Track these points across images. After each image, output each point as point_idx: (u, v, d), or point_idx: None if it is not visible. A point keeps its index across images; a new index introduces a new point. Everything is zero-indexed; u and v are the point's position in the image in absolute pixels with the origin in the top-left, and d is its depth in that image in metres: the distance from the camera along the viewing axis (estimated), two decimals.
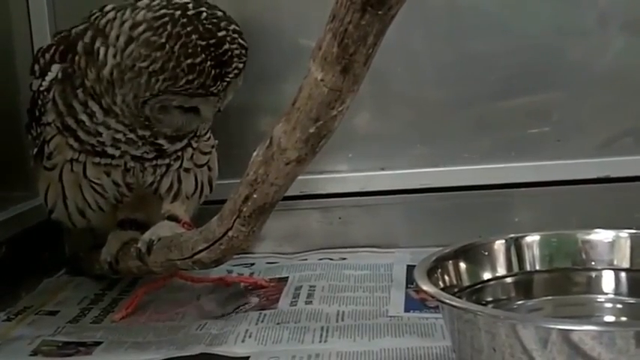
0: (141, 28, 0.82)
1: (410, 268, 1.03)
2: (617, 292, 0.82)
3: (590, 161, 1.11)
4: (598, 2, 1.10)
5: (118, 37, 0.83)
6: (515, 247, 0.84)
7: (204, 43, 0.81)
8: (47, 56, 0.91)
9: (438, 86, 1.14)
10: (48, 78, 0.89)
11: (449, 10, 1.12)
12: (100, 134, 0.89)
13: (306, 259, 1.11)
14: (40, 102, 0.90)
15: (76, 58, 0.88)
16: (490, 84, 1.12)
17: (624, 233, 0.83)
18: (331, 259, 1.10)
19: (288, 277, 1.04)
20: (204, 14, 0.82)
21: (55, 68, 0.89)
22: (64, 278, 1.11)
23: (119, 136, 0.88)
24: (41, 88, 0.90)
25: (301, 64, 0.73)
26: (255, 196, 0.78)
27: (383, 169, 1.15)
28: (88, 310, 0.98)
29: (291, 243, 1.15)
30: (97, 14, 0.88)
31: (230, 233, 0.81)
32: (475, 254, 0.82)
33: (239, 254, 0.88)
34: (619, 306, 0.81)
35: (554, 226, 0.91)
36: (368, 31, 0.66)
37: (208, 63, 0.81)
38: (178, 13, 0.82)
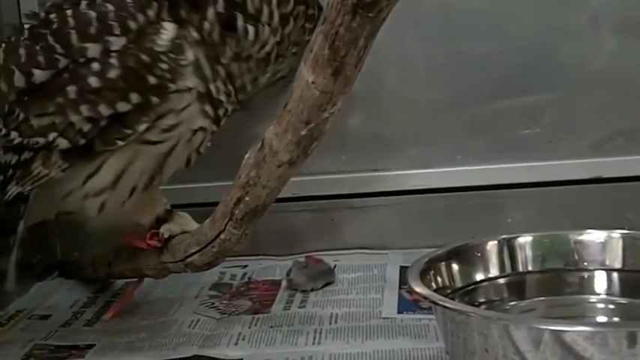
0: (291, 4, 0.82)
1: (403, 270, 1.03)
2: (609, 292, 0.82)
3: (582, 162, 1.12)
4: (590, 3, 1.11)
5: (271, 15, 0.81)
6: (508, 248, 0.84)
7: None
8: (145, 8, 0.78)
9: (431, 87, 1.14)
10: (166, 37, 0.78)
11: (441, 12, 1.12)
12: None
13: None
14: (166, 65, 0.78)
15: (205, 24, 0.79)
16: (482, 85, 1.12)
17: (616, 234, 0.84)
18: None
19: (281, 280, 1.04)
20: None
21: (172, 27, 0.78)
22: (56, 281, 1.10)
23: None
24: (159, 49, 0.78)
25: None
26: (247, 198, 0.78)
27: (375, 171, 1.15)
28: (80, 313, 0.98)
29: (283, 245, 1.15)
30: None
31: (222, 236, 0.81)
32: (468, 255, 0.83)
33: (232, 256, 0.88)
34: (611, 306, 0.81)
35: (546, 226, 0.91)
36: (359, 34, 0.66)
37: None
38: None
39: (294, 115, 0.71)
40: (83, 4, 0.80)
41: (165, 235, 0.89)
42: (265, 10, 0.81)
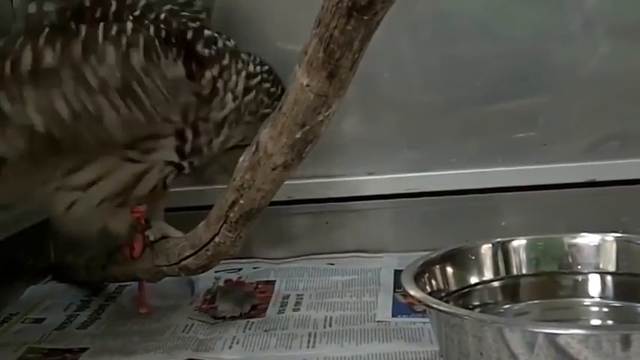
0: (257, 79, 0.92)
1: (397, 273, 1.02)
2: (603, 295, 0.82)
3: (576, 165, 1.12)
4: (583, 7, 1.11)
5: (237, 84, 0.90)
6: (502, 251, 0.84)
7: None
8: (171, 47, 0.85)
9: (425, 91, 1.14)
10: (180, 73, 0.86)
11: (435, 15, 1.12)
12: None
13: (293, 265, 1.10)
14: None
15: (203, 81, 0.88)
16: (477, 88, 1.12)
17: (610, 237, 0.84)
18: (319, 265, 1.10)
19: (275, 281, 1.04)
20: None
21: (183, 71, 0.87)
22: (50, 285, 1.10)
23: None
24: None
25: (288, 70, 0.73)
26: (241, 201, 0.77)
27: (370, 174, 1.15)
28: (74, 316, 0.98)
29: (278, 248, 1.15)
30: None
31: (217, 239, 0.81)
32: (462, 258, 0.83)
33: (226, 260, 0.88)
34: (605, 309, 0.82)
35: (540, 230, 0.91)
36: (354, 37, 0.66)
37: None
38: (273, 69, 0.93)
39: (289, 117, 0.71)
40: None
41: (151, 238, 0.90)
42: (233, 79, 0.90)
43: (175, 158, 0.88)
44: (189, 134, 0.88)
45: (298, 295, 0.99)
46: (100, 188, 0.86)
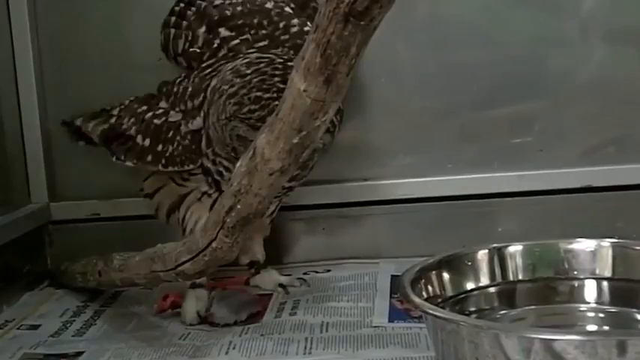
0: (244, 61, 0.90)
1: (394, 279, 1.03)
2: (599, 301, 0.82)
3: (573, 171, 1.12)
4: (580, 13, 1.12)
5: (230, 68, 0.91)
6: (499, 256, 0.84)
7: (282, 86, 0.81)
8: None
9: (422, 96, 1.14)
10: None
11: (432, 21, 1.13)
12: None
13: (290, 274, 1.09)
14: None
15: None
16: (473, 94, 1.13)
17: (606, 242, 0.84)
18: (316, 272, 1.10)
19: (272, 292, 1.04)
20: None
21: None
22: (46, 291, 1.10)
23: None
24: None
25: None
26: (238, 206, 0.77)
27: (366, 180, 1.15)
28: (70, 323, 0.98)
29: (275, 254, 1.14)
30: None
31: (214, 244, 0.81)
32: (458, 264, 0.83)
33: (223, 266, 0.88)
34: (601, 315, 0.82)
35: (537, 235, 0.91)
36: (350, 42, 0.66)
37: (275, 102, 0.82)
38: (280, 60, 0.88)
39: (286, 123, 0.71)
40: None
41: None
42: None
43: (207, 188, 0.96)
44: (207, 162, 0.93)
45: (295, 299, 0.99)
46: (160, 199, 1.00)
